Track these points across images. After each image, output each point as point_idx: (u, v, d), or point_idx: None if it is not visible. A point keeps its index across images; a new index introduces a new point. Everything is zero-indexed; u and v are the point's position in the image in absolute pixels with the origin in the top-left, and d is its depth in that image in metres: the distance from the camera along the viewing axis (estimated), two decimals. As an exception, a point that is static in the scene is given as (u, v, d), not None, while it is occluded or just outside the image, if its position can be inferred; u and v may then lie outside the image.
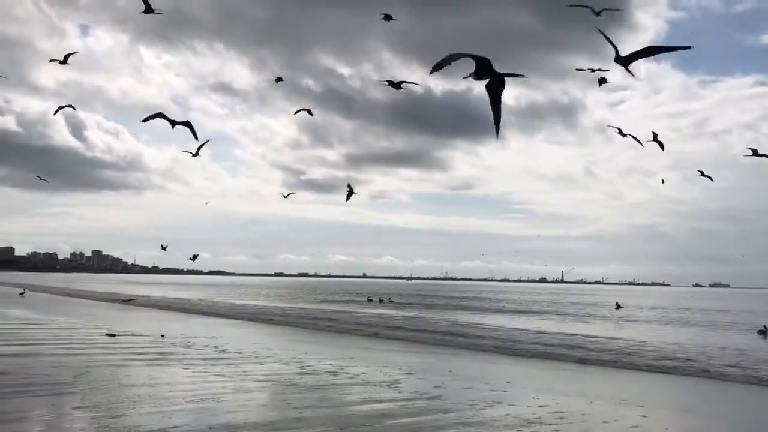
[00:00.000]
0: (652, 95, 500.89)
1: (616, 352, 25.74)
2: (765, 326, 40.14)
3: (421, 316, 49.14)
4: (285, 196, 33.04)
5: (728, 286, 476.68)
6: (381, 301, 70.29)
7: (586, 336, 32.75)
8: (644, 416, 13.28)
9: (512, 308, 64.56)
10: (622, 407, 14.21)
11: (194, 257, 44.53)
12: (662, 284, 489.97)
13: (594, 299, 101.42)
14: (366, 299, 73.94)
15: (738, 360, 23.55)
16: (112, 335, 26.19)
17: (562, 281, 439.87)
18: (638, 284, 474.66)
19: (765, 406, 16.30)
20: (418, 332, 33.82)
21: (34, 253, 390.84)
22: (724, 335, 38.32)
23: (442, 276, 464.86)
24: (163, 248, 40.22)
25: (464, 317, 48.49)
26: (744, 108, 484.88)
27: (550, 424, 12.14)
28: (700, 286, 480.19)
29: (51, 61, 21.18)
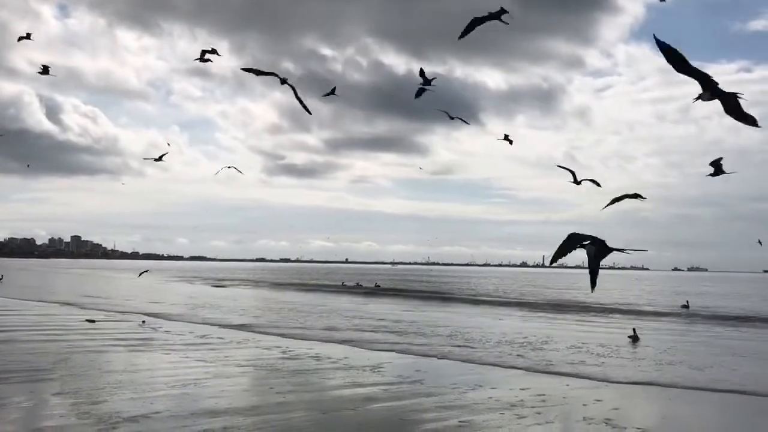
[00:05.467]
0: (638, 81, 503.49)
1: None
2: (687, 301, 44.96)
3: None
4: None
5: (706, 270, 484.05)
6: (377, 286, 69.35)
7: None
8: (625, 399, 13.43)
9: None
10: (603, 390, 14.34)
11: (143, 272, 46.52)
12: (641, 268, 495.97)
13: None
14: (355, 284, 72.88)
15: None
16: (92, 321, 25.95)
17: (543, 266, 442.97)
18: (617, 268, 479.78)
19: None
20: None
21: (12, 238, 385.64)
22: None
23: (424, 261, 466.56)
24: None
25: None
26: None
27: (532, 407, 12.22)
28: (679, 270, 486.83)
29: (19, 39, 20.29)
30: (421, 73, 14.48)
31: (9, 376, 14.01)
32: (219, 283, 74.13)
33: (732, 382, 15.60)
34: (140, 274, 51.54)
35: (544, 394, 13.43)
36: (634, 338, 23.95)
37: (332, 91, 15.81)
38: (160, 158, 21.06)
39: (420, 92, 14.55)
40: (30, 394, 12.32)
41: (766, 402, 13.70)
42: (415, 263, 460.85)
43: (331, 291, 63.19)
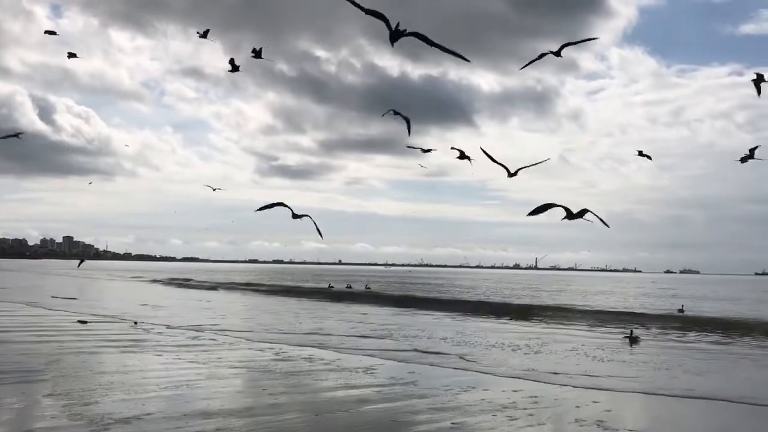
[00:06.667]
0: (631, 84, 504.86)
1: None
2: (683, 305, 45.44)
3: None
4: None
5: (698, 272, 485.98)
6: (368, 288, 69.03)
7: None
8: (618, 402, 13.48)
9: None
10: (596, 393, 14.38)
11: (81, 262, 48.42)
12: (634, 270, 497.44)
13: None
14: (347, 286, 72.15)
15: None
16: (84, 322, 25.87)
17: (536, 268, 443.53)
18: (610, 270, 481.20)
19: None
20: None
21: (3, 239, 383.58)
22: None
23: (417, 263, 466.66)
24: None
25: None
26: (720, 97, 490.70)
27: (524, 409, 12.26)
28: (671, 272, 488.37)
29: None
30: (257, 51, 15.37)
31: (1, 377, 13.93)
32: (201, 285, 73.89)
33: (727, 387, 15.62)
34: (78, 264, 51.90)
35: (536, 396, 13.47)
36: (631, 339, 24.03)
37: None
38: (17, 135, 21.15)
39: (258, 56, 15.40)
40: (22, 395, 12.27)
41: (760, 409, 13.69)
42: (409, 265, 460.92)
43: (319, 294, 62.94)
